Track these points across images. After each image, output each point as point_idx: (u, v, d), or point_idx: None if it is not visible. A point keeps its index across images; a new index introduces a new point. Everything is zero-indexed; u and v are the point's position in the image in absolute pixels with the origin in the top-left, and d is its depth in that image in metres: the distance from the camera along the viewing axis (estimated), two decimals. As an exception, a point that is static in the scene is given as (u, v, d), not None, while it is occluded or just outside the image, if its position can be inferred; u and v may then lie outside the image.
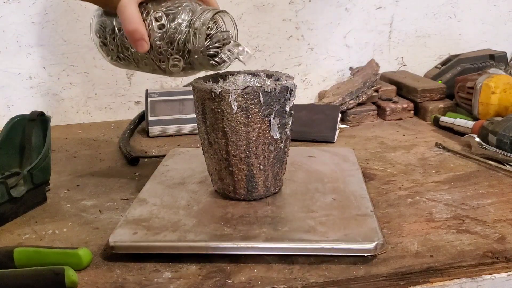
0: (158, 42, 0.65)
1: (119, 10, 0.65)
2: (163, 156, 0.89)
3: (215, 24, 0.68)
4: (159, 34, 0.65)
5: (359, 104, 1.11)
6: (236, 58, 0.68)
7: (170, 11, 0.66)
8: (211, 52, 0.67)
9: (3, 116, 1.12)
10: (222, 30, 0.68)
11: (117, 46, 0.70)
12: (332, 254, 0.59)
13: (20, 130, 0.78)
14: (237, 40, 0.69)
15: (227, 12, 0.68)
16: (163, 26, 0.65)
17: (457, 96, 1.10)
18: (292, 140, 0.73)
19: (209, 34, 0.67)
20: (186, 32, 0.65)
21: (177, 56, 0.66)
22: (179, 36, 0.65)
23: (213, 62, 0.68)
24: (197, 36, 0.64)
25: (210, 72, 0.72)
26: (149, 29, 0.65)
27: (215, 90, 0.64)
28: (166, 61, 0.67)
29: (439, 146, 0.94)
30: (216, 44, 0.67)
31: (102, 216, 0.73)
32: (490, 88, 0.99)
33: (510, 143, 0.85)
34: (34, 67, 1.14)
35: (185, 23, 0.65)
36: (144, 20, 0.65)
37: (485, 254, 0.60)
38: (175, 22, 0.65)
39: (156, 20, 0.65)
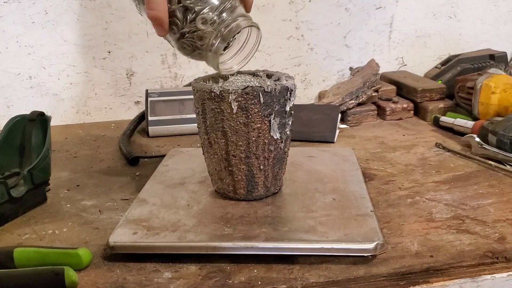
0: (182, 31, 0.64)
1: None
2: (163, 156, 0.89)
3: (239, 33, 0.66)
4: (180, 22, 0.63)
5: (359, 104, 1.11)
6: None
7: (201, 5, 0.63)
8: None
9: (3, 116, 1.12)
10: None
11: (140, 6, 0.67)
12: (332, 254, 0.59)
13: (20, 130, 0.78)
14: (252, 55, 0.67)
15: (258, 28, 0.65)
16: (187, 18, 0.63)
17: (457, 96, 1.10)
18: (292, 140, 0.73)
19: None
20: (210, 32, 0.63)
21: (198, 51, 0.65)
22: (201, 32, 0.63)
23: (222, 68, 0.67)
24: (218, 40, 0.63)
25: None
26: (173, 15, 0.63)
27: (215, 90, 0.64)
28: (187, 50, 0.66)
29: (439, 146, 0.94)
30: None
31: (102, 216, 0.73)
32: (490, 88, 0.99)
33: (510, 143, 0.85)
34: (34, 67, 1.14)
35: (211, 21, 0.62)
36: (169, 4, 0.63)
37: (485, 254, 0.60)
38: (201, 13, 0.63)
39: (184, 10, 0.63)
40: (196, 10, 0.63)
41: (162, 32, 0.64)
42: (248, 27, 0.65)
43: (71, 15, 1.12)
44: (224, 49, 0.66)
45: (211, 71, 0.73)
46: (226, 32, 0.63)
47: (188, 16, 0.63)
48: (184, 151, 0.91)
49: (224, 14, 0.63)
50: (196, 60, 0.68)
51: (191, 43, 0.65)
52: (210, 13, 0.63)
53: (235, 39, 0.67)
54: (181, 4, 0.63)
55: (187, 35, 0.64)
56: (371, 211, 0.66)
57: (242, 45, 0.68)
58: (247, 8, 0.67)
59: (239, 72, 0.75)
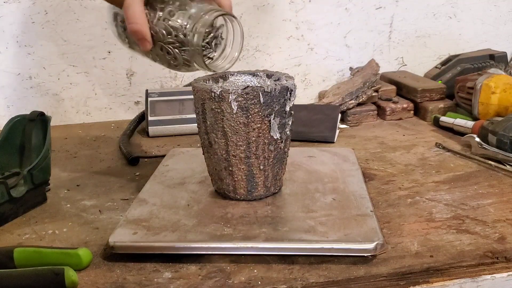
0: (161, 42, 0.65)
1: (124, 9, 0.64)
2: (163, 156, 0.89)
3: (219, 28, 0.67)
4: (162, 33, 0.64)
5: (359, 104, 1.11)
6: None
7: (177, 11, 0.64)
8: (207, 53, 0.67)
9: (3, 116, 1.12)
10: (221, 33, 0.68)
11: (128, 39, 0.69)
12: (332, 254, 0.59)
13: (20, 130, 0.78)
14: (240, 49, 0.68)
15: (234, 17, 0.66)
16: (168, 26, 0.64)
17: (457, 96, 1.10)
18: (292, 140, 0.73)
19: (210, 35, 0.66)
20: (188, 32, 0.64)
21: (185, 59, 0.66)
22: (181, 36, 0.64)
23: (208, 62, 0.67)
24: (195, 36, 0.64)
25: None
26: (154, 27, 0.65)
27: (215, 90, 0.64)
28: (174, 60, 0.67)
29: (439, 146, 0.94)
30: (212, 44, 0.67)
31: (102, 216, 0.73)
32: (490, 88, 0.99)
33: (510, 143, 0.85)
34: (34, 67, 1.14)
35: (188, 23, 0.64)
36: (149, 18, 0.64)
37: (485, 254, 0.60)
38: (179, 22, 0.64)
39: (162, 19, 0.64)
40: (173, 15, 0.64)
41: (146, 46, 0.65)
42: (221, 15, 0.65)
43: (71, 15, 1.12)
44: (210, 48, 0.66)
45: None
46: (200, 25, 0.63)
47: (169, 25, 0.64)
48: (184, 151, 0.91)
49: (194, 10, 0.64)
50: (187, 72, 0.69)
51: (174, 47, 0.65)
52: (179, 11, 0.64)
53: (220, 38, 0.67)
54: (159, 14, 0.64)
55: (169, 40, 0.65)
56: (371, 211, 0.66)
57: (229, 43, 0.68)
58: (226, 9, 0.67)
59: (239, 72, 0.75)
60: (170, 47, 0.65)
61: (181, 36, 0.64)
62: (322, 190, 0.73)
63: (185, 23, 0.64)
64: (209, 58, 0.67)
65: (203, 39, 0.65)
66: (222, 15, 0.65)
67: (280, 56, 1.23)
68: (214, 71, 0.68)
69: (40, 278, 0.55)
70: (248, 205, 0.69)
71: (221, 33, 0.68)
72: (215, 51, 0.68)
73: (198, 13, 0.64)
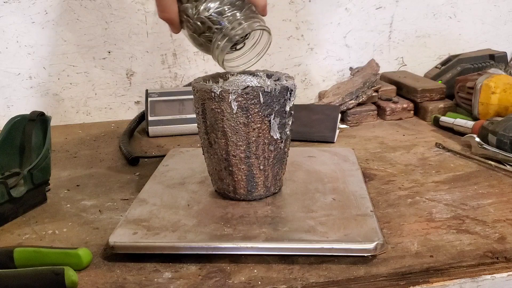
0: (194, 34, 0.67)
1: None
2: (163, 156, 0.89)
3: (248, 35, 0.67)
4: (198, 26, 0.65)
5: (359, 104, 1.11)
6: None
7: (212, 8, 0.65)
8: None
9: (3, 116, 1.12)
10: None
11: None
12: (332, 254, 0.59)
13: (20, 130, 0.78)
14: (259, 58, 0.69)
15: (269, 32, 0.67)
16: (198, 23, 0.65)
17: (457, 96, 1.10)
18: (292, 140, 0.73)
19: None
20: (218, 35, 0.65)
21: (208, 44, 0.67)
22: (209, 34, 0.65)
23: (226, 65, 0.68)
24: (224, 39, 0.64)
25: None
26: (188, 18, 0.66)
27: (215, 90, 0.64)
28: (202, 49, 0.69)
29: (439, 146, 0.94)
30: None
31: (102, 216, 0.73)
32: (490, 88, 0.99)
33: (510, 143, 0.85)
34: (34, 67, 1.14)
35: (223, 22, 0.64)
36: (184, 8, 0.66)
37: (485, 254, 0.60)
38: (214, 18, 0.65)
39: (197, 13, 0.65)
40: (203, 6, 0.64)
41: (175, 31, 0.68)
42: (258, 30, 0.65)
43: (71, 15, 1.12)
44: (233, 48, 0.67)
45: (211, 71, 0.73)
46: (234, 32, 0.63)
47: (197, 13, 0.65)
48: (184, 151, 0.91)
49: (235, 12, 0.64)
50: (208, 55, 0.70)
51: (202, 37, 0.66)
52: (212, 3, 0.64)
53: (247, 38, 0.68)
54: (189, 3, 0.64)
55: (196, 27, 0.66)
56: (371, 211, 0.66)
57: (252, 46, 0.69)
58: (259, 10, 0.68)
59: (239, 72, 0.75)
60: (203, 40, 0.66)
61: (210, 34, 0.65)
62: (322, 190, 0.73)
63: (220, 22, 0.64)
64: (234, 48, 0.68)
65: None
66: (260, 29, 0.66)
67: (280, 56, 1.23)
68: (225, 68, 0.69)
69: (40, 278, 0.55)
70: (248, 205, 0.69)
71: (247, 39, 0.68)
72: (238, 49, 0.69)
73: (234, 17, 0.65)
